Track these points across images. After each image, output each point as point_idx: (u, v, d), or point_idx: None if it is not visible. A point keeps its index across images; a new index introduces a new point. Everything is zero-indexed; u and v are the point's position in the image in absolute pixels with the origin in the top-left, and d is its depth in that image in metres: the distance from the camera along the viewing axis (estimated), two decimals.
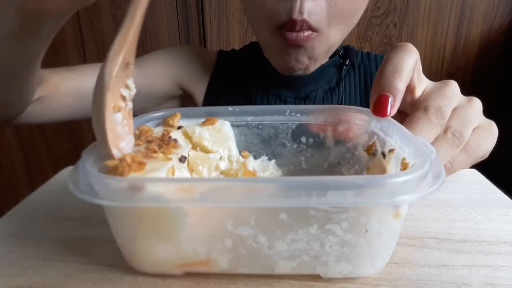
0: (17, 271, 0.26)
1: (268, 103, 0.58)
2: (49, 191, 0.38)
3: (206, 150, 0.31)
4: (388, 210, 0.22)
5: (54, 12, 0.29)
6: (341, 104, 0.57)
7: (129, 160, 0.23)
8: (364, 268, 0.24)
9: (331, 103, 0.57)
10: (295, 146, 0.35)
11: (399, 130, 0.28)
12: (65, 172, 0.43)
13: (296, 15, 0.44)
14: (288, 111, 0.33)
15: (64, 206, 0.35)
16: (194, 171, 0.30)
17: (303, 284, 0.24)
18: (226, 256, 0.24)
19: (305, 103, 0.57)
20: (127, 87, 0.24)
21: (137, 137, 0.27)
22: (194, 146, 0.32)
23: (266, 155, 0.35)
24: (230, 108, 0.33)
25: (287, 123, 0.34)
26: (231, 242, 0.23)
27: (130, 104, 0.25)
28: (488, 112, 0.35)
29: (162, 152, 0.26)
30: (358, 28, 1.21)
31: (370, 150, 0.30)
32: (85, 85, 0.53)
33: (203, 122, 0.32)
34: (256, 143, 0.35)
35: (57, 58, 1.25)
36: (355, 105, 0.58)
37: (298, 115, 0.33)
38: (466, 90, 0.33)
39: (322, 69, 0.57)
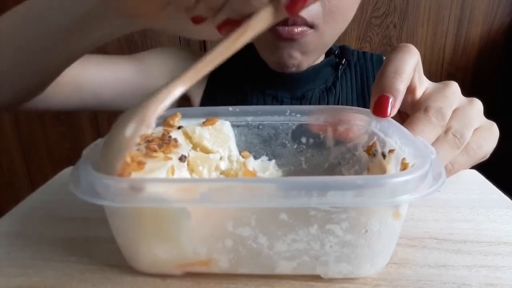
0: (17, 271, 0.26)
1: (265, 104, 0.58)
2: (49, 191, 0.38)
3: (206, 150, 0.31)
4: (388, 210, 0.22)
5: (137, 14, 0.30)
6: (337, 104, 0.57)
7: (128, 159, 0.23)
8: (364, 268, 0.24)
9: (328, 103, 0.57)
10: (295, 146, 0.35)
11: (399, 131, 0.28)
12: (65, 172, 0.43)
13: None
14: (288, 111, 0.33)
15: (64, 206, 0.35)
16: (194, 171, 0.30)
17: (303, 284, 0.24)
18: (226, 256, 0.24)
19: (301, 103, 0.57)
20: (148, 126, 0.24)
21: None
22: (194, 146, 0.31)
23: (266, 155, 0.35)
24: (230, 108, 0.34)
25: (287, 123, 0.34)
26: (231, 243, 0.23)
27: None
28: (488, 113, 0.35)
29: (162, 152, 0.26)
30: (358, 28, 1.21)
31: (370, 151, 0.30)
32: (84, 77, 0.53)
33: (203, 122, 0.32)
34: (256, 143, 0.35)
35: None
36: (352, 105, 0.58)
37: (298, 115, 0.33)
38: (466, 91, 0.33)
39: (318, 68, 0.57)
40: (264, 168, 0.33)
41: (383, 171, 0.27)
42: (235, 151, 0.33)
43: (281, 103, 0.57)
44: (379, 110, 0.29)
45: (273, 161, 0.34)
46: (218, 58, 0.25)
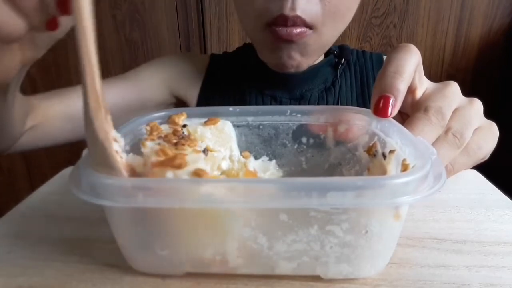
0: (17, 271, 0.26)
1: (263, 104, 0.57)
2: (49, 191, 0.38)
3: (208, 150, 0.31)
4: (388, 211, 0.22)
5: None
6: (337, 103, 0.57)
7: (170, 153, 0.23)
8: (364, 269, 0.24)
9: (327, 103, 0.57)
10: (295, 147, 0.35)
11: (400, 131, 0.28)
12: (65, 172, 0.43)
13: (287, 12, 0.44)
14: (288, 111, 0.33)
15: (64, 206, 0.35)
16: None
17: (303, 285, 0.24)
18: (226, 257, 0.24)
19: (300, 103, 0.57)
20: (115, 140, 0.23)
21: (149, 132, 0.27)
22: None
23: (267, 156, 0.35)
24: (231, 108, 0.33)
25: (288, 124, 0.34)
26: (232, 243, 0.23)
27: (124, 156, 0.24)
28: (487, 113, 0.35)
29: (188, 145, 0.26)
30: (358, 28, 1.21)
31: (371, 151, 0.30)
32: (73, 108, 0.53)
33: (205, 122, 0.32)
34: (256, 143, 0.35)
35: (56, 59, 1.25)
36: (352, 105, 0.58)
37: (299, 115, 0.33)
38: (466, 91, 0.33)
39: (317, 68, 0.56)
40: (265, 168, 0.33)
41: (383, 171, 0.27)
42: (236, 151, 0.33)
43: (280, 103, 0.57)
44: (380, 110, 0.29)
45: (274, 161, 0.34)
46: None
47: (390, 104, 0.29)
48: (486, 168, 0.40)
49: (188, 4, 1.23)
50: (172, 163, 0.22)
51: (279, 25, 0.45)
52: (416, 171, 0.21)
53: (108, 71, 1.31)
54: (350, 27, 1.19)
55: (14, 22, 0.24)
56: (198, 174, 0.22)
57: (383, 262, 0.25)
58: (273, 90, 0.58)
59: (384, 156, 0.28)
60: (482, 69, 1.22)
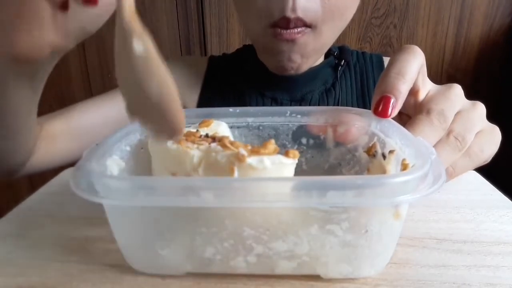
0: (17, 271, 0.26)
1: (264, 106, 0.57)
2: (50, 192, 0.38)
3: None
4: (388, 211, 0.22)
5: (38, 59, 0.30)
6: (337, 105, 0.57)
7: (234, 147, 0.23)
8: (364, 268, 0.24)
9: (327, 104, 0.57)
10: (295, 147, 0.35)
11: (399, 131, 0.28)
12: (65, 173, 0.43)
13: (289, 13, 0.44)
14: (288, 112, 0.33)
15: (64, 206, 0.35)
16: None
17: (303, 284, 0.24)
18: (226, 256, 0.24)
19: (300, 105, 0.57)
20: None
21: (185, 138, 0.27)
22: None
23: None
24: (230, 109, 0.34)
25: (288, 124, 0.34)
26: (232, 242, 0.23)
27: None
28: (487, 114, 0.35)
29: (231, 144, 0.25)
30: (358, 29, 1.21)
31: (371, 151, 0.30)
32: (76, 126, 0.53)
33: (199, 124, 0.32)
34: (256, 144, 0.35)
35: None
36: (352, 106, 0.58)
37: (299, 116, 0.33)
38: (466, 91, 0.33)
39: (317, 70, 0.56)
40: None
41: (383, 171, 0.27)
42: None
43: (281, 105, 0.57)
44: (380, 111, 0.29)
45: None
46: None
47: (390, 105, 0.29)
48: (485, 169, 0.40)
49: (188, 4, 1.23)
50: (264, 150, 0.23)
51: (281, 27, 0.45)
52: (416, 170, 0.21)
53: (108, 72, 1.31)
54: (350, 27, 1.19)
55: None
56: (293, 154, 0.24)
57: (383, 262, 0.25)
58: (273, 92, 0.57)
59: (383, 156, 0.28)
60: (482, 69, 1.22)
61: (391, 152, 0.27)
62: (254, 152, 0.23)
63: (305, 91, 0.57)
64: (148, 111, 0.23)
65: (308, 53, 0.49)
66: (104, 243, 0.29)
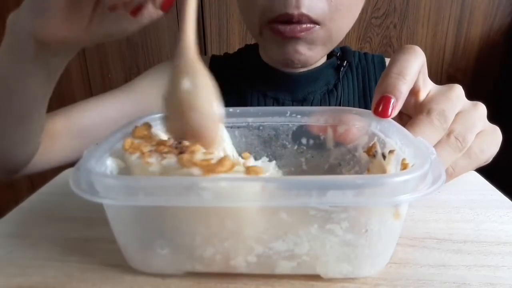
0: (17, 271, 0.26)
1: (266, 106, 0.57)
2: (50, 192, 0.38)
3: None
4: (388, 210, 0.22)
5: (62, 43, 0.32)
6: (339, 105, 0.57)
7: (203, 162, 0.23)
8: (364, 268, 0.24)
9: (329, 105, 0.57)
10: (295, 148, 0.35)
11: (399, 131, 0.28)
12: (66, 173, 0.43)
13: (292, 10, 0.44)
14: (288, 112, 0.33)
15: (64, 206, 0.35)
16: None
17: (303, 284, 0.24)
18: (226, 256, 0.24)
19: (302, 105, 0.57)
20: None
21: (128, 148, 0.26)
22: None
23: (267, 156, 0.35)
24: (230, 109, 0.33)
25: (288, 125, 0.34)
26: (232, 242, 0.23)
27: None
28: (487, 114, 0.35)
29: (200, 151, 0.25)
30: (358, 29, 1.21)
31: (370, 152, 0.30)
32: (77, 124, 0.53)
33: None
34: (256, 144, 0.35)
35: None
36: (354, 107, 0.58)
37: (299, 116, 0.33)
38: (466, 91, 0.33)
39: (319, 70, 0.56)
40: (265, 169, 0.33)
41: (383, 171, 0.27)
42: (232, 152, 0.33)
43: (283, 105, 0.57)
44: (380, 111, 0.29)
45: (274, 162, 0.34)
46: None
47: (390, 105, 0.29)
48: (486, 169, 0.40)
49: None
50: (220, 168, 0.22)
51: (281, 23, 0.45)
52: (415, 169, 0.21)
53: (108, 72, 1.31)
54: None
55: None
56: (255, 171, 0.23)
57: (383, 262, 0.25)
58: (275, 92, 0.57)
59: (383, 156, 0.28)
60: (482, 69, 1.22)
61: (391, 152, 0.27)
62: (209, 171, 0.22)
63: (307, 91, 0.57)
64: (186, 135, 0.27)
65: (317, 45, 0.49)
66: (104, 243, 0.29)
